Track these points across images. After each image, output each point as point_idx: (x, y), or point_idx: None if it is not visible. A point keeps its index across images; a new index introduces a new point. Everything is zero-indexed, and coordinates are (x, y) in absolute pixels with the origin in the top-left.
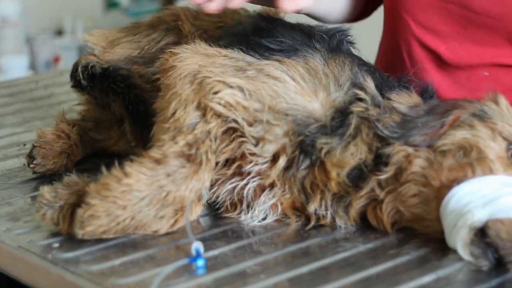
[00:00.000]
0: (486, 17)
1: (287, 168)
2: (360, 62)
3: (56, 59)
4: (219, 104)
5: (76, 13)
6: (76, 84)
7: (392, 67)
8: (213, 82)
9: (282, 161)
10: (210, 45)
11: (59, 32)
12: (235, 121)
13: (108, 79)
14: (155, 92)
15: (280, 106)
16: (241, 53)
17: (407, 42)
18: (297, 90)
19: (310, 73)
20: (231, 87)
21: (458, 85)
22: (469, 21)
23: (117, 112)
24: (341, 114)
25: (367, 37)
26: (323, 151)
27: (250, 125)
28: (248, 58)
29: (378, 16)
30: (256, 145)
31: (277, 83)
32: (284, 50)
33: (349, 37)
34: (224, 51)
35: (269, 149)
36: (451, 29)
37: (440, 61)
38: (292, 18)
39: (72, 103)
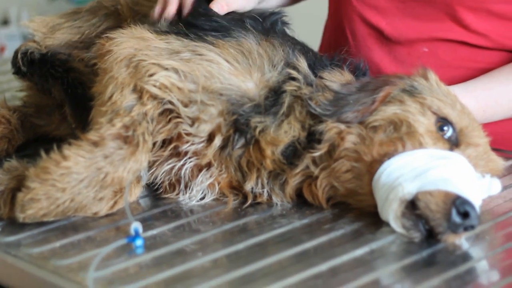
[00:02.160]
0: None
1: (223, 147)
2: (294, 42)
3: (2, 49)
4: (155, 86)
5: (21, 3)
6: (17, 70)
7: (337, 45)
8: (148, 65)
9: (217, 141)
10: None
11: (5, 22)
12: (170, 102)
13: (46, 64)
14: (95, 75)
15: (215, 86)
16: (174, 35)
17: (349, 19)
18: (231, 71)
19: (244, 54)
20: (166, 69)
21: (398, 61)
22: None
23: (57, 97)
24: (275, 94)
25: (314, 19)
26: (257, 130)
27: (185, 106)
28: (183, 39)
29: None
30: (191, 125)
31: (211, 64)
32: (217, 30)
33: (283, 18)
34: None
35: (205, 129)
36: (391, 4)
37: (382, 37)
38: None
39: (15, 91)
